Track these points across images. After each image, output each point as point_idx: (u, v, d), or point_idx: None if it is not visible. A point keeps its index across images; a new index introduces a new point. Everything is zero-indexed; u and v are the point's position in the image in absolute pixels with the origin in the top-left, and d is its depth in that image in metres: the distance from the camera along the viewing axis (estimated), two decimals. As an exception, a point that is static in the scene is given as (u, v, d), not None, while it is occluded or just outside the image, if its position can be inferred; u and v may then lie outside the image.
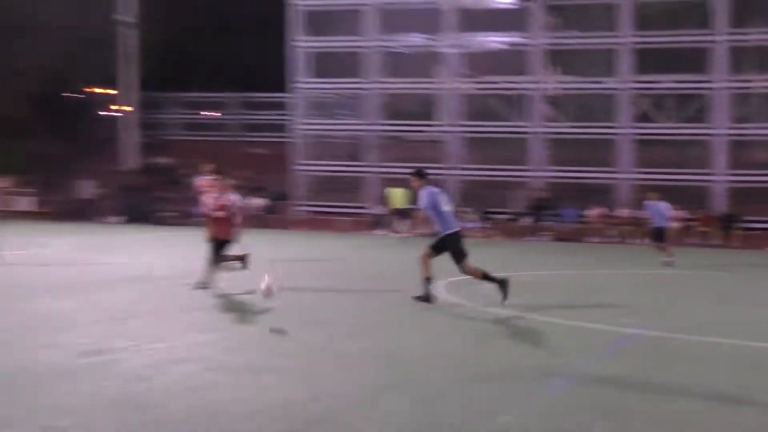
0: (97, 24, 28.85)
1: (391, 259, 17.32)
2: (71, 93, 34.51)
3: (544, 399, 5.61)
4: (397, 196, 23.57)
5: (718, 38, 25.35)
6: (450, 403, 5.36)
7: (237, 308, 9.49)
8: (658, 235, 16.35)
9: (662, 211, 16.17)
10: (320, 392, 5.42)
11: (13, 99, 29.67)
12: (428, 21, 27.64)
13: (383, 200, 25.20)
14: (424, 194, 9.94)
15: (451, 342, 7.80)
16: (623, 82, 26.31)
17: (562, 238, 24.95)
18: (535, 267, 16.12)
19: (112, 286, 11.09)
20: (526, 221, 25.90)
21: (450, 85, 27.80)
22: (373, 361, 6.68)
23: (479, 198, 26.33)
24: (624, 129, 26.35)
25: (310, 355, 6.86)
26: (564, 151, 26.53)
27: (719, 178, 25.38)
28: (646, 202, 16.86)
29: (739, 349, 7.66)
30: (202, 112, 35.47)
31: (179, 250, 17.10)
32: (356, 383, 5.81)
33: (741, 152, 25.79)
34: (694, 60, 25.65)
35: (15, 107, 30.00)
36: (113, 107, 33.91)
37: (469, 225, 22.51)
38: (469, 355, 7.24)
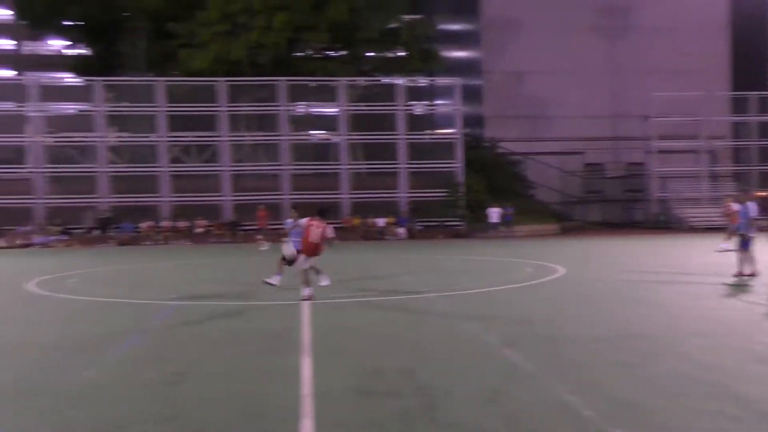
0: None
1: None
2: None
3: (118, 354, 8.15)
4: None
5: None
6: (47, 370, 7.51)
7: None
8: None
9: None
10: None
11: None
12: (16, 92, 37.79)
13: None
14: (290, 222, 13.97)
15: (42, 323, 10.79)
16: (161, 137, 37.54)
17: (123, 243, 34.55)
18: (105, 264, 22.76)
19: None
20: (96, 233, 35.94)
21: (35, 139, 37.35)
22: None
23: (61, 218, 36.05)
24: (164, 168, 37.51)
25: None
26: (121, 183, 37.30)
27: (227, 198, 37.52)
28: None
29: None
30: None
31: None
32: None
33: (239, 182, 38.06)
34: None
35: None
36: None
37: (54, 238, 34.14)
38: (60, 330, 10.03)
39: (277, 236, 29.04)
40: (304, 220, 12.87)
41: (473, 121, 48.73)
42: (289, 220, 14.48)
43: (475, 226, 36.25)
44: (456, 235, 36.21)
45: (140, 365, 7.66)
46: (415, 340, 8.83)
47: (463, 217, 37.39)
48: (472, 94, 48.96)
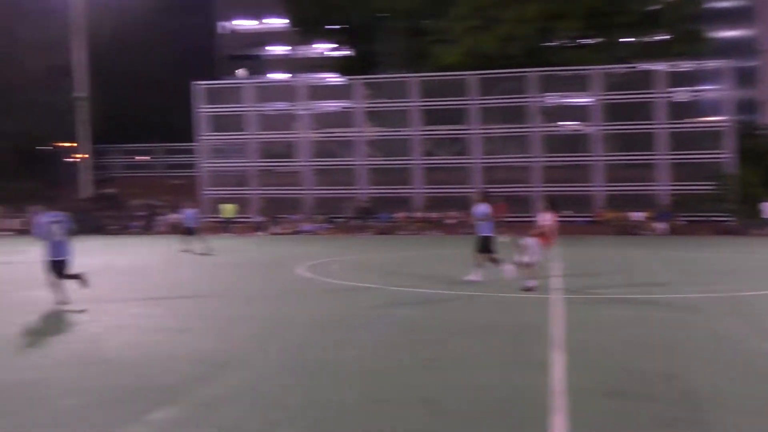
0: (62, 99, 42.41)
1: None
2: (44, 147, 50.10)
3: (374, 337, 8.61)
4: (228, 209, 37.02)
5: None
6: (313, 346, 8.16)
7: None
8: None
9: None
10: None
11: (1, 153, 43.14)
12: (288, 93, 41.75)
13: (215, 212, 37.61)
14: (480, 208, 13.96)
15: (309, 304, 11.72)
16: (414, 131, 38.86)
17: (380, 232, 36.07)
18: (364, 251, 24.24)
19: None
20: (356, 222, 37.44)
21: (303, 135, 40.42)
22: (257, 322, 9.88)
23: (325, 208, 39.05)
24: (417, 160, 38.59)
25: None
26: (378, 175, 39.08)
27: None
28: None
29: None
30: (138, 157, 51.86)
31: (121, 251, 24.92)
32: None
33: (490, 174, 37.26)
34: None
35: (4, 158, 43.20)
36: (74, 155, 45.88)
37: (319, 227, 37.08)
38: (323, 311, 10.77)
39: (519, 229, 29.02)
40: (545, 214, 12.87)
41: (746, 107, 44.18)
42: (481, 207, 14.12)
43: (749, 222, 32.87)
44: (725, 231, 33.12)
45: (394, 348, 8.00)
46: (675, 341, 8.22)
47: (733, 211, 34.13)
48: (744, 77, 44.41)
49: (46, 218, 11.16)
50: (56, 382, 6.53)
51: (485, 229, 14.00)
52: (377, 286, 13.64)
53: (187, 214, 24.26)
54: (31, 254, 12.00)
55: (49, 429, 5.26)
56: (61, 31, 42.35)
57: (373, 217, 37.95)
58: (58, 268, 11.09)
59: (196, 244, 23.13)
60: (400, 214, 37.64)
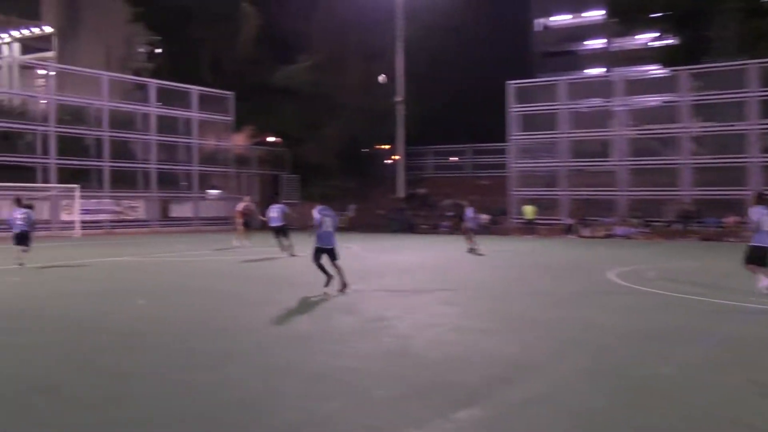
0: (382, 104, 44.67)
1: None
2: (364, 149, 53.09)
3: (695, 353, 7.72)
4: (529, 210, 37.58)
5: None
6: (620, 356, 7.55)
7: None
8: None
9: None
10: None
11: (325, 154, 46.83)
12: (604, 88, 39.74)
13: (519, 213, 38.63)
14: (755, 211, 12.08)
15: (619, 312, 10.75)
16: (751, 125, 34.15)
17: (705, 238, 32.69)
18: (685, 259, 21.84)
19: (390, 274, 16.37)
20: (677, 227, 34.42)
21: (619, 132, 38.04)
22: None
23: (642, 211, 36.42)
24: (754, 158, 33.82)
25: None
26: (705, 175, 34.99)
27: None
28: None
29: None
30: (449, 158, 51.71)
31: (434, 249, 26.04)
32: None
33: None
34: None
35: (326, 159, 46.75)
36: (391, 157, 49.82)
37: (635, 230, 34.74)
38: (635, 321, 9.86)
39: None
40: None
41: None
42: (755, 211, 11.98)
43: None
44: None
45: (716, 367, 7.16)
46: None
47: None
48: None
49: (320, 211, 12.63)
50: (369, 372, 6.85)
51: (757, 237, 12.02)
52: (697, 298, 12.22)
53: (466, 214, 25.27)
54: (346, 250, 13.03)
55: (363, 416, 5.47)
56: (383, 39, 45.34)
57: (698, 221, 34.44)
58: (332, 255, 12.62)
59: (471, 242, 24.11)
60: (730, 219, 33.47)
